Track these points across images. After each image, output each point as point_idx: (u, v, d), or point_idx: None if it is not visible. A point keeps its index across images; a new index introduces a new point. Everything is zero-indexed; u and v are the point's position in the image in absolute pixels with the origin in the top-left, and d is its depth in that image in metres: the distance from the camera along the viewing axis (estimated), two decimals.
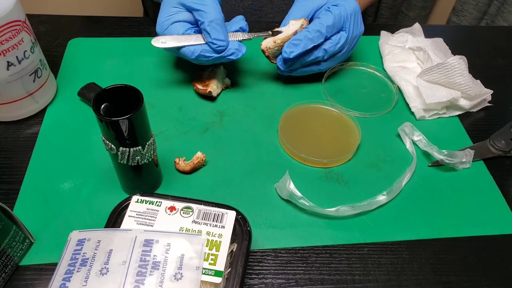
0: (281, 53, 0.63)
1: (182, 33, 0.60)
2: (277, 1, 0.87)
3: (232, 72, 0.70)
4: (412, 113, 0.66)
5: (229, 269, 0.42)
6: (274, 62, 0.65)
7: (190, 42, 0.59)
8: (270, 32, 0.63)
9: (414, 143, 0.61)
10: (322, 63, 0.66)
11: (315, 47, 0.62)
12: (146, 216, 0.44)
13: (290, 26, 0.62)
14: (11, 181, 0.54)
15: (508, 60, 0.78)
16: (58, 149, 0.58)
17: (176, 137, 0.60)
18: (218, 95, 0.66)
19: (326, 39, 0.62)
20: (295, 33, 0.62)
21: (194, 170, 0.56)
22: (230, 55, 0.59)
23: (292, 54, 0.61)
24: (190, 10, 0.60)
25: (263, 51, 0.64)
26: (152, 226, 0.44)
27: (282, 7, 0.87)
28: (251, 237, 0.45)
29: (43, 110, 0.62)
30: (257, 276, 0.48)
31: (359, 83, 0.70)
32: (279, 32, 0.62)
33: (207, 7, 0.58)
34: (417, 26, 0.77)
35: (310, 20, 0.64)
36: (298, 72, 0.66)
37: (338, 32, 0.63)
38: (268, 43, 0.63)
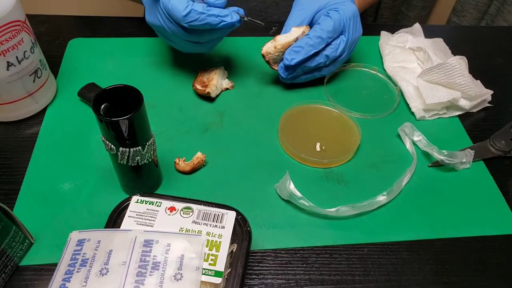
0: (282, 59, 0.63)
1: None
2: (282, 3, 0.87)
3: (232, 71, 0.70)
4: (412, 113, 0.66)
5: (229, 269, 0.42)
6: (275, 68, 0.65)
7: None
8: (262, 24, 0.60)
9: (414, 143, 0.61)
10: (324, 68, 0.66)
11: (316, 53, 0.62)
12: (146, 216, 0.44)
13: (292, 33, 0.62)
14: (11, 181, 0.54)
15: (508, 60, 0.78)
16: (58, 149, 0.58)
17: (176, 137, 0.60)
18: (217, 96, 0.66)
19: (327, 44, 0.62)
20: (296, 39, 0.62)
21: (194, 170, 0.56)
22: (224, 16, 0.54)
23: (293, 61, 0.61)
24: None
25: (263, 55, 0.63)
26: (152, 226, 0.43)
27: (287, 8, 0.87)
28: (251, 238, 0.45)
29: (43, 110, 0.62)
30: (257, 277, 0.48)
31: (361, 84, 0.70)
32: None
33: None
34: (417, 26, 0.77)
35: (310, 25, 0.64)
36: (301, 79, 0.66)
37: (338, 36, 0.63)
38: (269, 48, 0.63)
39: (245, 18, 0.58)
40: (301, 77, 0.66)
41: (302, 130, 0.62)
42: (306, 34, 0.61)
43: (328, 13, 0.62)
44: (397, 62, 0.72)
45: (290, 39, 0.62)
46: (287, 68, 0.63)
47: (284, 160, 0.59)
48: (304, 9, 0.65)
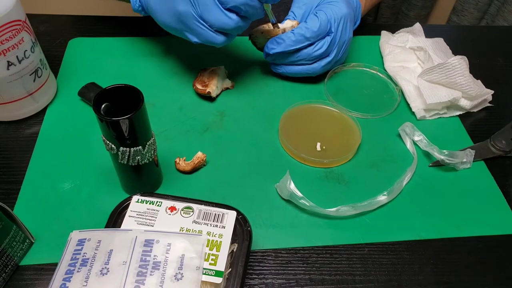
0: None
1: None
2: (283, 4, 0.87)
3: (232, 71, 0.70)
4: (413, 113, 0.66)
5: (230, 269, 0.42)
6: (260, 50, 0.68)
7: None
8: (274, 19, 0.63)
9: (414, 143, 0.61)
10: (309, 66, 0.65)
11: (298, 49, 0.63)
12: (147, 216, 0.44)
13: (283, 25, 0.64)
14: (11, 181, 0.54)
15: (509, 60, 0.78)
16: (58, 149, 0.58)
17: (176, 137, 0.60)
18: (217, 95, 0.66)
19: (311, 43, 0.63)
20: (284, 31, 0.64)
21: (194, 170, 0.56)
22: None
23: (272, 51, 0.63)
24: None
25: (249, 35, 0.67)
26: (152, 226, 0.43)
27: (288, 5, 0.87)
28: (251, 237, 0.45)
29: (43, 110, 0.62)
30: (257, 276, 0.48)
31: (362, 84, 0.70)
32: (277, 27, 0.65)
33: None
34: (417, 26, 0.77)
35: None
36: (286, 71, 0.67)
37: (324, 37, 0.63)
38: (257, 30, 0.66)
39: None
40: (285, 68, 0.67)
41: (302, 130, 0.62)
42: (292, 30, 0.63)
43: (317, 13, 0.63)
44: (397, 62, 0.72)
45: (277, 30, 0.64)
46: (267, 54, 0.65)
47: (284, 160, 0.59)
48: (302, 7, 0.66)
